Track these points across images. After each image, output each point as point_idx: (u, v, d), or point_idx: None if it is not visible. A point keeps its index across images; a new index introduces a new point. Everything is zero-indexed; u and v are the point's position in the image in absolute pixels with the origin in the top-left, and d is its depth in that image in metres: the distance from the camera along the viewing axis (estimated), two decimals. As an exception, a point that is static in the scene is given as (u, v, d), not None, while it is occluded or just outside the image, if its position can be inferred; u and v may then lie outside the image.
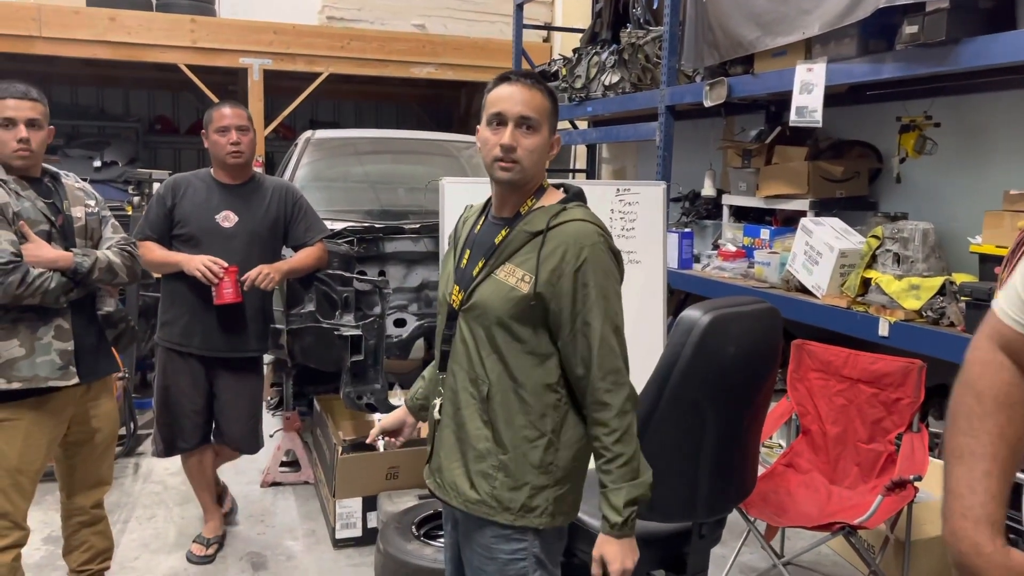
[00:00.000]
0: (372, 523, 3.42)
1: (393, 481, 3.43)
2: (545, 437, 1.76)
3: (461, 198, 3.29)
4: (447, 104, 11.29)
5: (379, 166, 4.65)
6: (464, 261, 1.84)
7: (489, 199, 1.91)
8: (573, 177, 7.63)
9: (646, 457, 1.96)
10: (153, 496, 3.94)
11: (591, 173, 7.53)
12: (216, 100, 8.05)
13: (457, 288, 1.82)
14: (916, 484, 2.84)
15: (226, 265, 3.03)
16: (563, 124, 7.12)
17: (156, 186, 6.51)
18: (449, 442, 1.82)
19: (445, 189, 3.29)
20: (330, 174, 4.19)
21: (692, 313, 2.20)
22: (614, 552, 1.74)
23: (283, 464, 4.11)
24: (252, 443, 3.36)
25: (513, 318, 1.73)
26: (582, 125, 6.95)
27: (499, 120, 1.73)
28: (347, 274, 3.45)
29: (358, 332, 3.36)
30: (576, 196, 1.83)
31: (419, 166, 4.75)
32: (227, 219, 3.15)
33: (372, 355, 3.38)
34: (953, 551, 1.05)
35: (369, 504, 3.42)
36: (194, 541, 3.38)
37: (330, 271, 3.42)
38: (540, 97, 1.75)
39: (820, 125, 3.72)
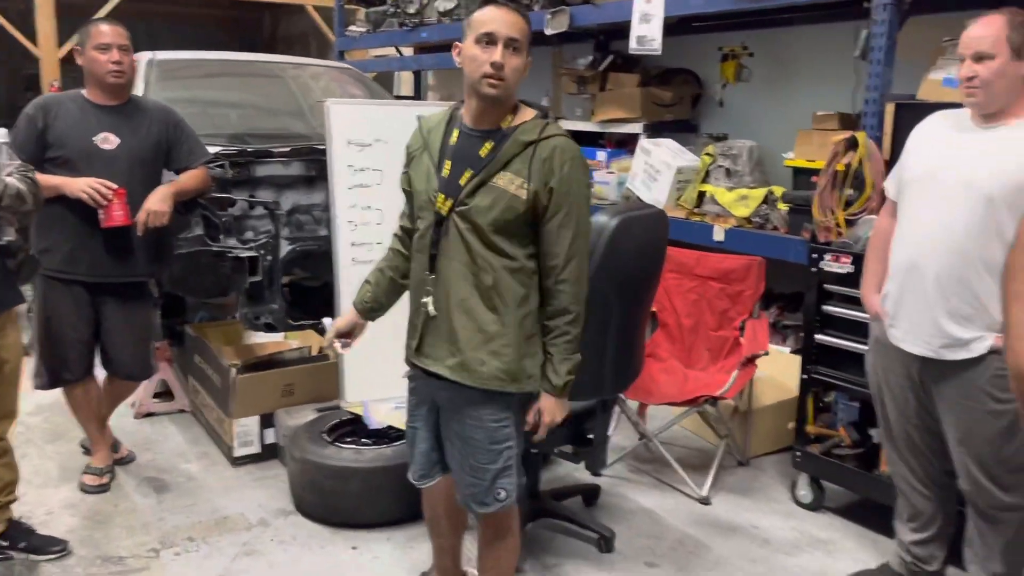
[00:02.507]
0: (269, 439, 3.52)
1: (289, 398, 3.54)
2: (532, 313, 2.04)
3: (347, 119, 3.41)
4: (248, 27, 10.83)
5: (231, 90, 4.54)
6: (446, 171, 2.02)
7: (452, 111, 2.09)
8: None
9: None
10: (17, 436, 3.75)
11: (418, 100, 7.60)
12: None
13: (443, 196, 2.01)
14: (756, 363, 3.40)
15: (114, 187, 2.95)
16: (389, 50, 7.11)
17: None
18: (455, 329, 2.02)
19: (331, 111, 3.36)
20: (182, 98, 4.05)
21: (601, 218, 2.53)
22: (551, 406, 2.10)
23: (155, 395, 4.05)
24: (143, 369, 3.31)
25: (516, 219, 1.96)
26: (407, 52, 6.99)
27: (489, 39, 1.91)
28: (236, 197, 3.43)
29: (254, 253, 3.38)
30: (547, 114, 2.09)
31: (268, 89, 4.65)
32: (107, 141, 3.04)
33: (267, 275, 3.43)
34: (1010, 363, 1.65)
35: (266, 421, 3.51)
36: (85, 472, 3.31)
37: (212, 194, 3.39)
38: (523, 22, 1.95)
39: (659, 53, 4.12)
